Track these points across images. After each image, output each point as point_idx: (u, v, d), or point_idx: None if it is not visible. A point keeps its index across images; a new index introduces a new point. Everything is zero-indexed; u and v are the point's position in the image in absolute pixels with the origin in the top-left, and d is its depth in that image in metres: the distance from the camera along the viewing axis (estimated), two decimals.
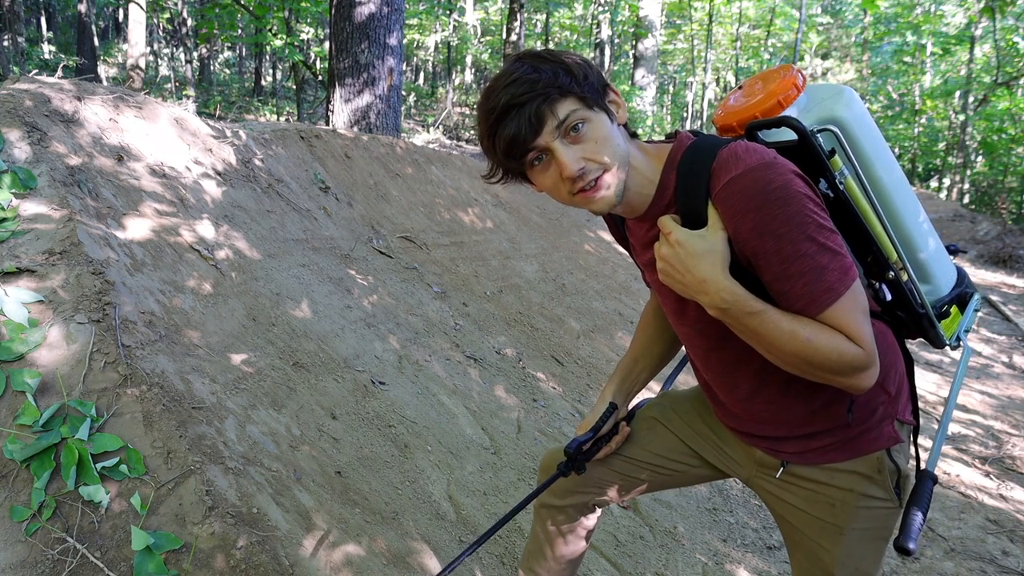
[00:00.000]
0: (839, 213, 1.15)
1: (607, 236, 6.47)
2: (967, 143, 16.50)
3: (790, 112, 1.20)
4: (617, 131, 1.12)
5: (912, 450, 1.28)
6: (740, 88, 1.29)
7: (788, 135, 1.18)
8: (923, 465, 1.24)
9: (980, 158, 17.55)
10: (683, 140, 1.16)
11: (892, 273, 1.21)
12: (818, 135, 1.14)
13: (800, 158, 1.12)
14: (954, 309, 1.32)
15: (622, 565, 2.40)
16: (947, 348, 1.32)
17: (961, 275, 1.35)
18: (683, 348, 1.59)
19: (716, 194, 1.06)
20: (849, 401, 1.20)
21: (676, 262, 1.09)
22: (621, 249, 6.33)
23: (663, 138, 1.25)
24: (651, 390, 3.41)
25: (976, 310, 1.34)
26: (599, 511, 1.60)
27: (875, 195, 1.19)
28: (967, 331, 1.32)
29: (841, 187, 1.14)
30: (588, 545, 1.63)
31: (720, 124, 1.25)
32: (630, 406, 1.58)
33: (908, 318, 1.27)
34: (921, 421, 4.22)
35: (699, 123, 19.24)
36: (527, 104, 1.04)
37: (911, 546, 1.10)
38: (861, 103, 1.20)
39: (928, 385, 4.94)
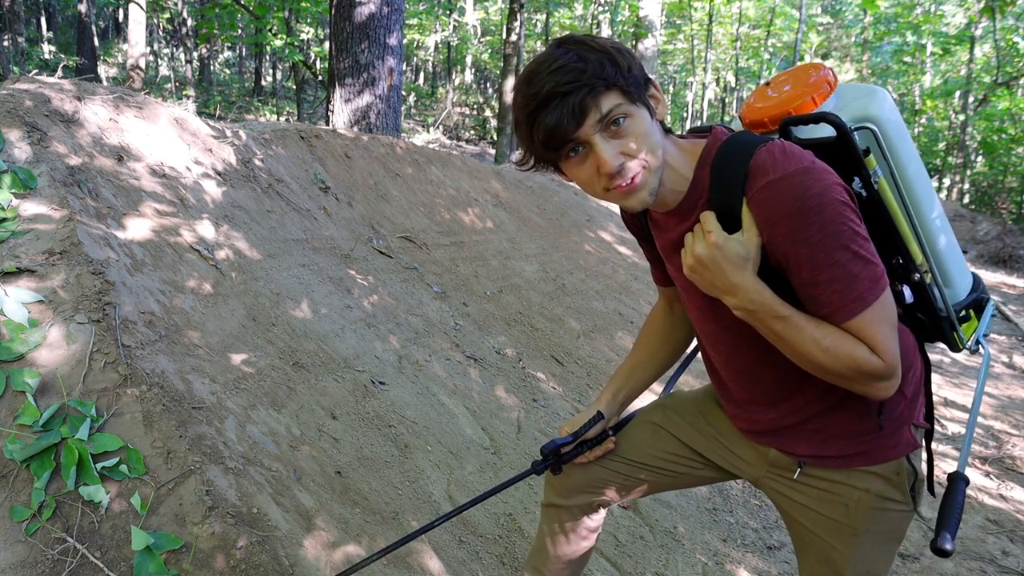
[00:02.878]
0: (870, 213, 1.13)
1: (607, 236, 6.47)
2: (967, 143, 16.50)
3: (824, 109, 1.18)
4: (656, 127, 1.10)
5: (924, 453, 1.28)
6: (768, 84, 1.27)
7: (822, 132, 1.16)
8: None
9: (980, 158, 17.56)
10: (718, 136, 1.15)
11: (918, 275, 1.20)
12: (855, 133, 1.12)
13: (835, 156, 1.11)
14: (972, 314, 1.31)
15: (622, 565, 2.40)
16: (964, 352, 1.33)
17: (977, 280, 1.34)
18: (685, 352, 1.60)
19: (752, 196, 1.05)
20: (879, 407, 1.18)
21: (711, 263, 1.08)
22: (622, 249, 6.33)
23: (694, 132, 1.24)
24: (653, 392, 3.41)
25: (992, 315, 1.35)
26: (603, 512, 1.60)
27: (906, 196, 1.19)
28: (985, 335, 1.33)
29: (875, 186, 1.13)
30: (593, 546, 1.63)
31: (749, 120, 1.22)
32: (625, 413, 1.57)
33: (929, 321, 1.26)
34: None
35: (699, 123, 19.25)
36: (572, 94, 1.01)
37: (948, 547, 1.09)
38: (893, 103, 1.20)
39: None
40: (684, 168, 1.14)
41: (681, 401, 1.51)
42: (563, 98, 1.01)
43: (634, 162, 1.06)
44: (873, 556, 1.25)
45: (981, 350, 1.35)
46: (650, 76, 1.10)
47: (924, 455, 1.27)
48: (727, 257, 1.06)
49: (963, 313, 1.30)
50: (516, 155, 5.88)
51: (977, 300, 1.31)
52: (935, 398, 4.66)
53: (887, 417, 1.19)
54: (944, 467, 3.60)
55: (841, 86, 1.22)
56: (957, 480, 1.17)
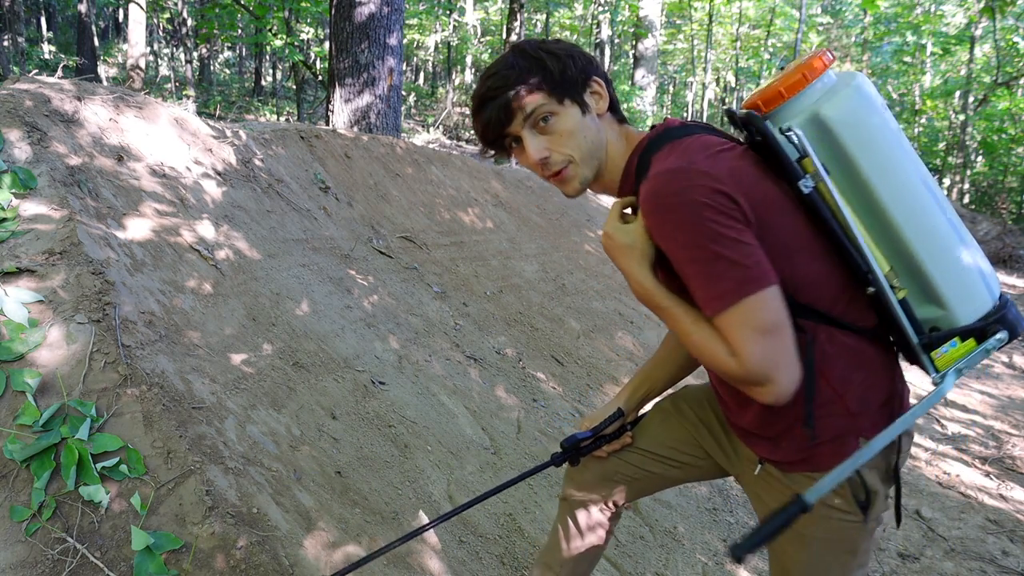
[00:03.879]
0: (816, 217, 1.13)
1: None
2: (967, 143, 16.50)
3: (814, 88, 1.14)
4: (589, 123, 1.20)
5: (888, 463, 1.22)
6: (782, 70, 1.25)
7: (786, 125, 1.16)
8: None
9: (980, 158, 17.55)
10: (659, 128, 1.22)
11: (871, 289, 1.13)
12: (791, 135, 1.10)
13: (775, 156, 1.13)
14: (968, 342, 1.13)
15: (622, 565, 2.40)
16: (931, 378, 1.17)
17: (999, 306, 1.15)
18: None
19: (640, 186, 1.14)
20: (805, 417, 1.17)
21: (607, 247, 1.21)
22: None
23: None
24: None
25: (990, 349, 1.13)
26: (617, 512, 1.62)
27: (865, 204, 1.12)
28: (961, 370, 1.14)
29: (807, 190, 1.11)
30: (603, 546, 1.65)
31: (747, 106, 1.22)
32: (642, 411, 1.60)
33: (897, 339, 1.19)
34: (921, 422, 4.22)
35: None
36: (499, 97, 1.17)
37: (738, 554, 1.06)
38: (861, 99, 1.12)
39: (928, 385, 4.94)
40: (621, 157, 1.24)
41: (691, 392, 1.54)
42: (492, 100, 1.18)
43: (558, 156, 1.20)
44: (824, 565, 1.24)
45: (941, 383, 1.16)
46: (596, 76, 1.21)
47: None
48: (616, 244, 1.19)
49: (953, 341, 1.14)
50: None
51: (983, 328, 1.13)
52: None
53: (818, 428, 1.17)
54: (944, 467, 3.61)
55: (838, 75, 1.18)
56: (792, 503, 1.08)
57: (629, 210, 1.25)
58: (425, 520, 2.18)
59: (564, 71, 1.17)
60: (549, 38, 1.24)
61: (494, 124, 1.19)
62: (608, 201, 6.86)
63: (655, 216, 1.09)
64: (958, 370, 1.14)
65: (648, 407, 1.62)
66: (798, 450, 1.21)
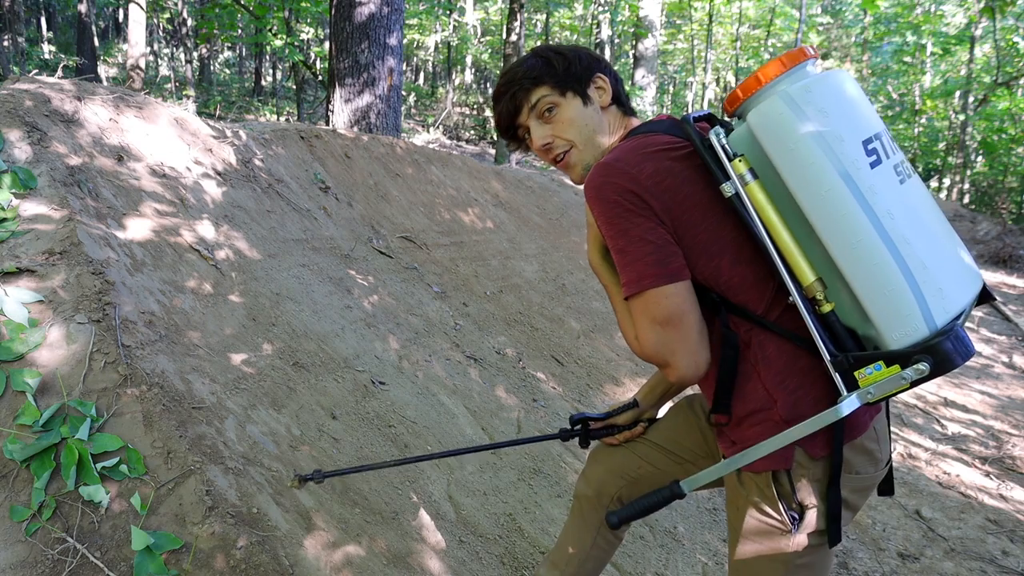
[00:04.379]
0: (739, 218, 1.13)
1: None
2: (967, 143, 16.49)
3: (779, 84, 1.11)
4: (591, 113, 1.31)
5: (832, 484, 1.17)
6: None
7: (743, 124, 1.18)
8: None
9: (980, 158, 17.55)
10: (643, 124, 1.29)
11: (791, 298, 1.10)
12: (712, 136, 1.12)
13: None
14: (894, 367, 1.04)
15: (622, 565, 2.40)
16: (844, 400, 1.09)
17: (936, 334, 1.03)
18: None
19: None
20: (714, 402, 1.23)
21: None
22: None
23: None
24: None
25: (905, 379, 1.03)
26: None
27: (793, 210, 1.09)
28: (869, 394, 1.06)
29: (727, 193, 1.11)
30: (613, 550, 1.67)
31: (729, 97, 1.21)
32: (661, 412, 1.63)
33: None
34: (921, 422, 4.22)
35: None
36: (508, 92, 1.32)
37: (612, 519, 1.29)
38: (788, 106, 1.06)
39: (929, 385, 4.94)
40: (610, 145, 1.33)
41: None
42: (504, 95, 1.33)
43: (560, 142, 1.32)
44: (753, 569, 1.24)
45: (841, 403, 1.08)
46: (600, 72, 1.32)
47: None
48: (587, 223, 1.32)
49: (879, 364, 1.05)
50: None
51: (906, 356, 1.03)
52: (935, 397, 4.66)
53: (745, 432, 1.20)
54: (944, 467, 3.61)
55: (824, 73, 1.14)
56: (669, 486, 1.27)
57: None
58: (425, 519, 2.18)
59: (568, 67, 1.30)
60: (559, 43, 1.37)
61: (505, 115, 1.34)
62: None
63: (588, 203, 1.21)
64: (862, 394, 1.07)
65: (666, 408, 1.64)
66: (739, 448, 1.22)
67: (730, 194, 1.11)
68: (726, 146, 1.11)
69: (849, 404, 1.07)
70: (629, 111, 1.37)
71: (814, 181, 1.05)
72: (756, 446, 1.15)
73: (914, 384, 1.04)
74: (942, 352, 1.01)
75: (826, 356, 1.09)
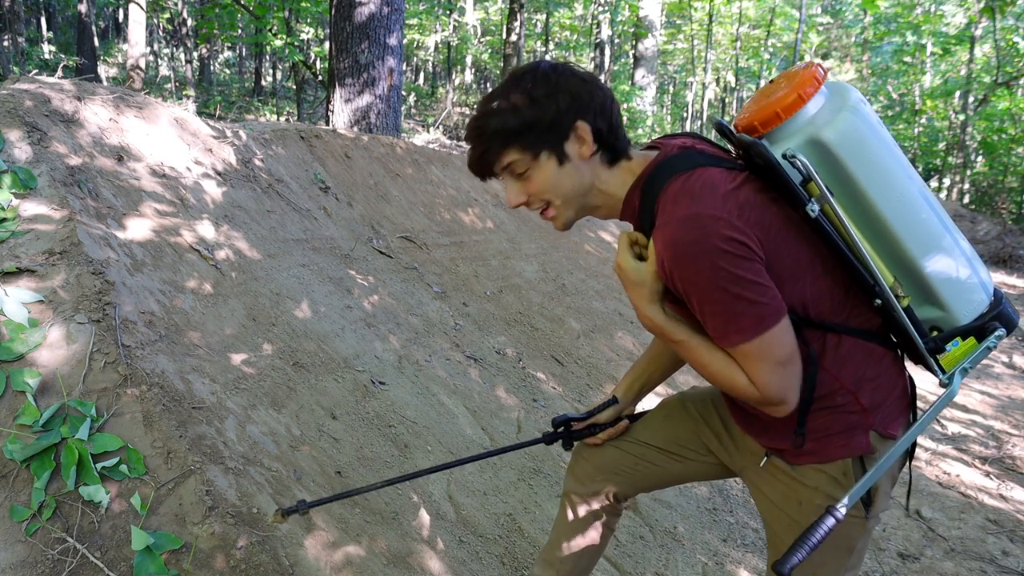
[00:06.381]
0: (823, 237, 1.16)
1: (607, 236, 6.47)
2: (967, 143, 16.49)
3: (811, 107, 1.16)
4: (569, 171, 1.21)
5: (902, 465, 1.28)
6: (772, 83, 1.26)
7: (786, 147, 1.16)
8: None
9: (980, 158, 17.54)
10: (659, 156, 1.22)
11: (879, 301, 1.17)
12: (795, 161, 1.12)
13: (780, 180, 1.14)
14: (969, 340, 1.18)
15: (622, 565, 2.40)
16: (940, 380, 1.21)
17: (995, 303, 1.21)
18: None
19: (653, 232, 1.16)
20: (797, 423, 1.22)
21: (619, 278, 1.25)
22: None
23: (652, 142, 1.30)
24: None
25: (991, 346, 1.18)
26: (618, 509, 1.64)
27: (867, 220, 1.16)
28: (967, 368, 1.19)
29: (814, 214, 1.12)
30: (604, 544, 1.67)
31: (742, 126, 1.22)
32: (638, 407, 1.64)
33: (904, 345, 1.24)
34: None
35: (699, 124, 19.24)
36: (477, 148, 1.21)
37: (782, 569, 1.12)
38: (859, 120, 1.13)
39: (930, 386, 4.94)
40: (618, 188, 1.26)
41: (697, 393, 1.58)
42: (474, 148, 1.22)
43: (536, 200, 1.25)
44: (819, 559, 1.24)
45: (951, 384, 1.20)
46: (582, 118, 1.17)
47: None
48: (628, 280, 1.22)
49: (956, 340, 1.19)
50: None
51: (982, 326, 1.18)
52: (935, 397, 4.65)
53: (830, 421, 1.22)
54: (944, 467, 3.61)
55: (833, 87, 1.19)
56: (826, 514, 1.14)
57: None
58: (425, 519, 2.18)
59: (540, 121, 1.16)
60: (545, 61, 1.23)
61: (476, 168, 1.25)
62: None
63: (676, 264, 1.11)
64: (964, 369, 1.18)
65: (650, 403, 1.64)
66: (809, 441, 1.23)
67: (816, 214, 1.13)
68: (811, 169, 1.12)
69: (958, 381, 1.18)
70: (614, 156, 1.24)
71: (894, 187, 1.14)
72: (899, 442, 1.17)
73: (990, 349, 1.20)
74: (1007, 315, 1.19)
75: (920, 343, 1.18)
